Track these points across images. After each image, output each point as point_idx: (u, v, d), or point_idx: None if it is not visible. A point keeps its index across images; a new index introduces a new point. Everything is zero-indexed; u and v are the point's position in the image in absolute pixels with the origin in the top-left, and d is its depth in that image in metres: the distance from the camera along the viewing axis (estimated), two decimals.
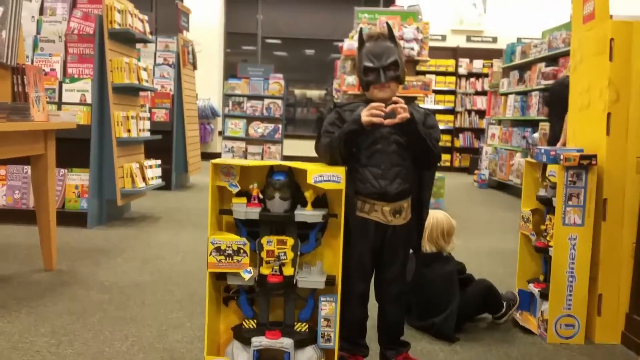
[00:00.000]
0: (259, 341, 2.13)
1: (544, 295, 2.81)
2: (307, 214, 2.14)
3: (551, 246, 2.77)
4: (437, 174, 6.82)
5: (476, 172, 9.54)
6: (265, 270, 2.15)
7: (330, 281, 2.19)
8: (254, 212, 2.13)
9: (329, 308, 2.17)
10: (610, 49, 2.60)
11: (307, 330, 2.22)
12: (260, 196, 2.17)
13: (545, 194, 2.90)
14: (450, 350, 2.61)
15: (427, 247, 2.85)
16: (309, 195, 2.16)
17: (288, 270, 2.15)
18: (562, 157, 2.61)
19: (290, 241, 2.15)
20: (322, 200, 2.23)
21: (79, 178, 4.91)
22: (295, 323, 2.24)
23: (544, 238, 2.87)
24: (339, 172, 2.10)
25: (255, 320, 2.23)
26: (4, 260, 3.77)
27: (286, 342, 2.13)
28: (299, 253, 2.19)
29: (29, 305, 2.95)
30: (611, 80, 2.63)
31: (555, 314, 2.70)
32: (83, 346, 2.49)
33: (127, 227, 5.01)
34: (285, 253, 2.14)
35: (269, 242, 2.15)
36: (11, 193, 4.90)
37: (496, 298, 2.90)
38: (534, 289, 2.91)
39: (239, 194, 2.20)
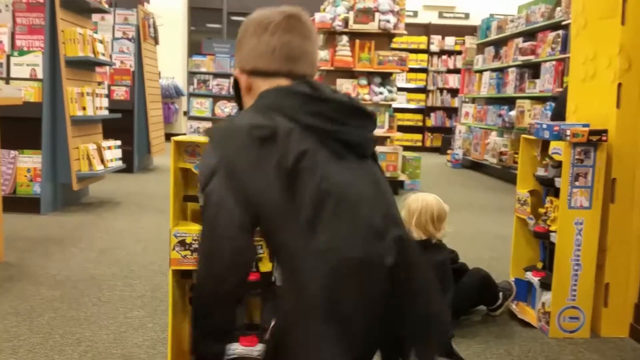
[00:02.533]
0: (232, 349, 1.83)
1: (545, 285, 2.57)
2: None
3: (552, 231, 2.53)
4: (413, 154, 6.60)
5: (449, 151, 9.35)
6: None
7: None
8: None
9: None
10: (623, 10, 2.34)
11: None
12: None
13: (545, 174, 2.65)
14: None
15: (414, 233, 2.58)
16: None
17: (266, 266, 1.85)
18: (568, 132, 2.36)
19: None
20: None
21: (31, 160, 4.49)
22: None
23: (543, 222, 2.63)
24: None
25: None
26: None
27: (260, 349, 1.83)
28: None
29: None
30: (622, 46, 2.37)
31: (559, 306, 2.47)
32: (28, 354, 2.15)
33: (84, 213, 4.62)
34: (262, 246, 1.84)
35: None
36: None
37: (493, 289, 2.66)
38: (533, 278, 2.67)
39: None
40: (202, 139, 1.86)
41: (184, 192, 1.90)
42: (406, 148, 7.30)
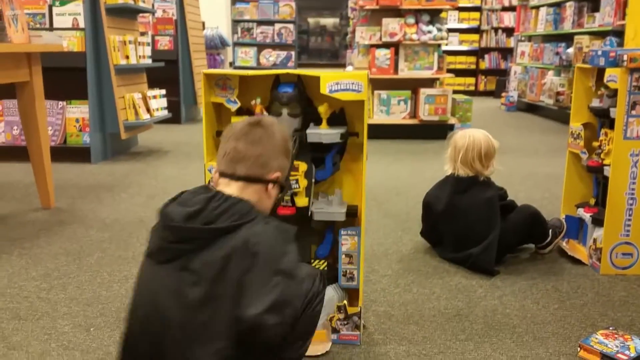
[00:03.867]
0: None
1: (597, 221, 2.45)
2: (322, 133, 1.78)
3: (606, 165, 2.39)
4: (464, 97, 6.38)
5: (503, 94, 9.02)
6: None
7: (351, 212, 1.85)
8: None
9: (350, 243, 1.85)
10: None
11: (326, 268, 1.90)
12: (265, 113, 1.81)
13: (599, 105, 2.49)
14: (490, 285, 2.29)
15: (460, 170, 2.49)
16: (323, 110, 1.80)
17: (301, 201, 1.81)
18: (625, 57, 2.19)
19: (302, 166, 1.80)
20: (339, 116, 1.86)
21: (78, 111, 4.58)
22: (313, 260, 1.92)
23: (597, 156, 2.48)
24: (360, 78, 1.72)
25: None
26: (0, 200, 3.51)
27: None
28: (313, 180, 1.85)
29: (21, 247, 2.68)
30: None
31: (611, 242, 2.35)
32: (77, 290, 2.22)
33: (133, 161, 4.71)
34: (297, 181, 1.80)
35: None
36: (9, 129, 4.60)
37: (542, 226, 2.55)
38: (585, 214, 2.55)
39: (239, 112, 1.84)
40: (234, 71, 1.81)
41: (216, 127, 1.87)
42: (458, 93, 7.06)
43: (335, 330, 1.84)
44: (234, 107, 1.81)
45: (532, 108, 8.22)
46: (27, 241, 2.75)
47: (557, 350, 1.79)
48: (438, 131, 5.74)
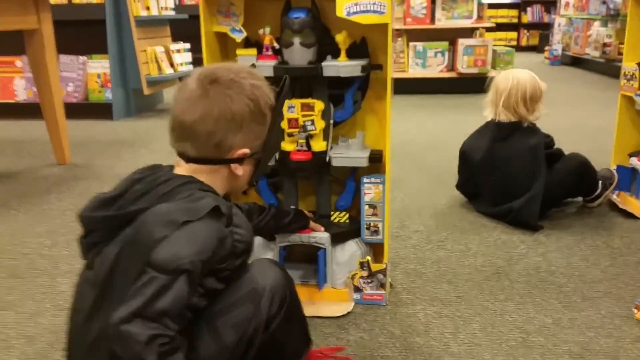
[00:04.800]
0: (285, 236, 1.64)
1: None
2: (341, 66, 1.56)
3: None
4: (505, 48, 6.01)
5: (547, 48, 8.53)
6: (287, 146, 1.61)
7: (375, 157, 1.64)
8: (266, 67, 1.56)
9: (374, 192, 1.64)
10: None
11: (347, 221, 1.71)
12: (275, 45, 1.60)
13: None
14: (532, 240, 2.06)
15: (502, 115, 2.24)
16: (341, 39, 1.57)
17: (318, 145, 1.61)
18: None
19: (319, 105, 1.59)
20: (360, 47, 1.63)
21: (100, 66, 4.43)
22: (333, 212, 1.73)
23: None
24: None
25: None
26: (16, 156, 3.40)
27: (321, 236, 1.63)
28: (332, 121, 1.63)
29: (30, 203, 2.55)
30: None
31: None
32: None
33: (157, 118, 4.55)
34: (313, 122, 1.59)
35: (290, 108, 1.59)
36: (30, 86, 4.49)
37: (592, 177, 2.29)
38: (639, 163, 2.28)
39: (246, 44, 1.63)
40: None
41: (220, 61, 1.66)
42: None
43: (357, 289, 1.65)
44: (239, 37, 1.59)
45: (577, 61, 7.76)
46: (37, 197, 2.62)
47: (610, 312, 1.57)
48: (477, 85, 5.36)
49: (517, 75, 2.25)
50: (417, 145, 3.49)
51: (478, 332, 1.48)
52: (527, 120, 2.23)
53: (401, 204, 2.46)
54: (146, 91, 4.46)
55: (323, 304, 1.64)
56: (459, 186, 2.47)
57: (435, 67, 5.39)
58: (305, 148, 1.60)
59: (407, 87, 5.30)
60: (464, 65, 5.29)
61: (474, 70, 5.31)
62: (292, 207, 1.69)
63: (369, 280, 1.65)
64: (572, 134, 3.58)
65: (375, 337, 1.48)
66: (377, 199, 1.64)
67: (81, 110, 4.40)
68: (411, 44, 5.38)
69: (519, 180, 2.18)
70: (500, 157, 2.22)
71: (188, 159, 1.09)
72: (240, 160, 1.12)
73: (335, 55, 1.59)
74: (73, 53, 4.39)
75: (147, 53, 4.43)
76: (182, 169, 1.10)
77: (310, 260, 1.69)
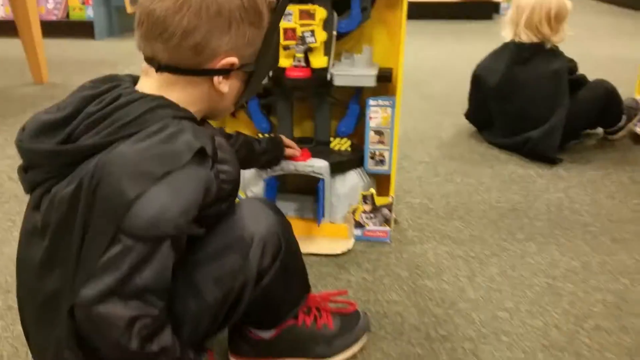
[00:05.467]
0: (279, 165, 1.44)
1: None
2: None
3: None
4: None
5: None
6: (283, 62, 1.39)
7: (384, 76, 1.42)
8: None
9: (382, 116, 1.43)
10: None
11: (349, 148, 1.51)
12: None
13: None
14: (551, 174, 1.88)
15: (522, 35, 2.00)
16: None
17: (318, 61, 1.38)
18: None
19: (320, 13, 1.35)
20: None
21: None
22: (333, 139, 1.52)
23: None
24: None
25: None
26: None
27: (318, 165, 1.43)
28: (334, 33, 1.40)
29: (4, 123, 2.34)
30: None
31: None
32: None
33: None
34: (313, 32, 1.36)
35: (286, 16, 1.36)
36: (44, 2, 4.16)
37: (617, 106, 2.09)
38: None
39: None
40: None
41: None
42: None
43: (359, 225, 1.47)
44: None
45: None
46: (11, 117, 2.41)
47: None
48: (483, 10, 5.11)
49: None
50: (418, 72, 3.24)
51: (497, 276, 1.32)
52: (550, 42, 1.99)
53: (403, 134, 2.25)
54: (129, 9, 4.13)
55: (320, 240, 1.46)
56: (469, 114, 2.26)
57: None
58: (303, 64, 1.38)
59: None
60: None
61: None
62: (264, 135, 1.47)
63: (372, 216, 1.46)
64: (599, 64, 3.32)
65: (379, 278, 1.31)
66: (385, 124, 1.44)
67: (61, 28, 4.11)
68: None
69: (538, 107, 1.97)
70: (519, 81, 2.00)
71: (159, 67, 0.83)
72: (226, 72, 0.86)
73: None
74: None
75: None
76: (150, 82, 0.85)
77: (307, 192, 1.51)
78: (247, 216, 0.90)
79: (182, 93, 0.85)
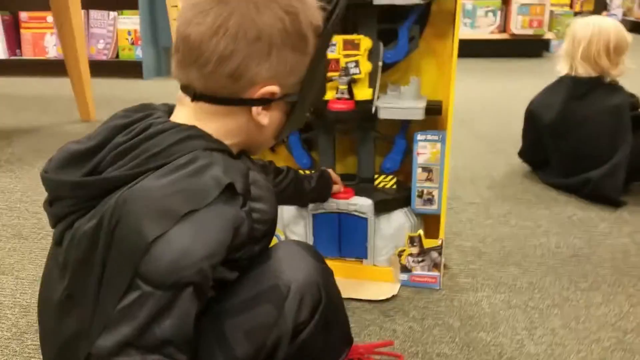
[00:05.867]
0: (322, 205, 1.36)
1: None
2: None
3: None
4: (563, 9, 5.53)
5: (604, 13, 7.94)
6: (327, 94, 1.32)
7: (433, 108, 1.33)
8: None
9: (430, 152, 1.34)
10: None
11: (394, 186, 1.42)
12: None
13: None
14: (615, 218, 1.73)
15: (579, 69, 1.89)
16: None
17: (362, 93, 1.31)
18: None
19: (365, 43, 1.28)
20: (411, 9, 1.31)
21: (131, 22, 4.20)
22: (377, 176, 1.43)
23: None
24: None
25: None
26: (41, 113, 3.21)
27: (362, 204, 1.34)
28: (381, 63, 1.33)
29: (47, 158, 2.33)
30: None
31: None
32: None
33: None
34: (357, 63, 1.29)
35: (330, 47, 1.29)
36: (94, 42, 4.29)
37: None
38: None
39: None
40: None
41: None
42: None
43: (406, 269, 1.36)
44: None
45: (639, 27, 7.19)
46: (52, 152, 2.41)
47: None
48: (532, 48, 5.00)
49: (598, 21, 1.90)
50: (468, 109, 3.14)
51: (559, 329, 1.18)
52: (609, 76, 1.88)
53: (452, 172, 2.12)
54: None
55: (363, 284, 1.36)
56: (523, 153, 2.14)
57: (485, 27, 4.98)
58: (346, 96, 1.31)
59: None
60: (518, 25, 4.86)
61: (529, 32, 4.89)
62: (312, 171, 1.39)
63: (420, 259, 1.36)
64: None
65: (428, 328, 1.19)
66: (434, 160, 1.34)
67: (111, 68, 4.20)
68: (459, 1, 4.97)
69: (598, 145, 1.84)
70: (577, 118, 1.88)
71: (194, 95, 0.78)
72: (266, 102, 0.79)
73: None
74: (103, 8, 4.17)
75: (179, 8, 4.16)
76: (184, 111, 0.79)
77: (343, 234, 1.41)
78: (283, 262, 0.81)
79: (218, 124, 0.79)
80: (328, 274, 0.86)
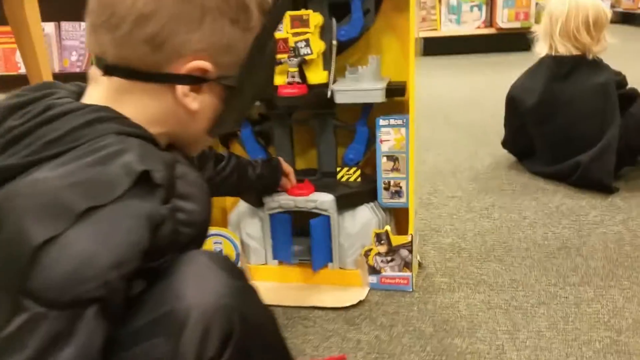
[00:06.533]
0: (276, 201, 1.22)
1: None
2: None
3: None
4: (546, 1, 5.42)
5: None
6: (277, 79, 1.18)
7: (395, 89, 1.19)
8: None
9: (395, 139, 1.20)
10: None
11: (359, 179, 1.27)
12: None
13: None
14: (607, 205, 1.59)
15: (559, 47, 1.76)
16: None
17: (316, 75, 1.18)
18: None
19: (315, 19, 1.15)
20: None
21: None
22: (340, 168, 1.29)
23: None
24: None
25: None
26: None
27: (322, 200, 1.20)
28: (334, 42, 1.19)
29: None
30: None
31: None
32: None
33: None
34: (307, 42, 1.15)
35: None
36: (67, 55, 4.15)
37: None
38: None
39: None
40: None
41: None
42: None
43: (374, 271, 1.22)
44: None
45: (629, 18, 7.07)
46: None
47: None
48: (519, 41, 4.83)
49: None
50: (452, 102, 3.01)
51: (545, 330, 1.04)
52: (591, 52, 1.74)
53: (433, 165, 2.01)
54: None
55: (325, 290, 1.22)
56: (507, 142, 2.00)
57: (471, 22, 4.85)
58: (298, 80, 1.17)
59: (439, 47, 4.78)
60: (504, 19, 4.73)
61: (516, 25, 4.76)
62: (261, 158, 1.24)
63: (389, 259, 1.21)
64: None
65: (397, 337, 1.05)
66: (399, 147, 1.20)
67: (85, 79, 4.07)
68: None
69: (585, 127, 1.70)
70: (561, 99, 1.74)
71: (106, 68, 0.63)
72: (195, 80, 0.65)
73: None
74: (74, 19, 4.05)
75: None
76: (97, 90, 0.65)
77: (302, 233, 1.27)
78: (185, 281, 0.60)
79: (137, 106, 0.64)
80: (247, 293, 0.66)
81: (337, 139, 1.28)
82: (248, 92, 0.71)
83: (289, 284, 1.26)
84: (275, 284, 1.26)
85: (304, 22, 1.15)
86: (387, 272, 1.22)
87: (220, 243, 1.26)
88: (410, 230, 1.20)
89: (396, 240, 1.20)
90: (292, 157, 1.32)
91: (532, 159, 1.89)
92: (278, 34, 1.14)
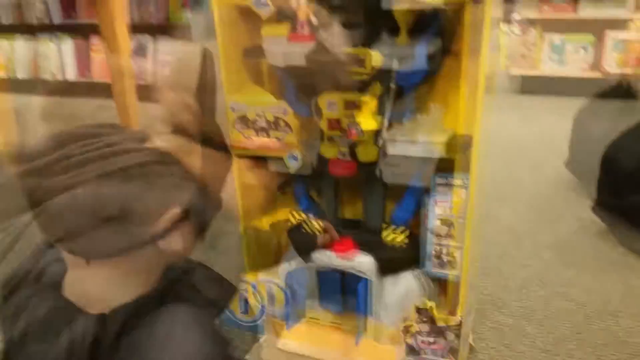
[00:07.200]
0: (318, 256, 1.08)
1: None
2: (397, 55, 0.98)
3: None
4: None
5: None
6: (327, 152, 1.05)
7: (458, 145, 1.02)
8: (298, 53, 0.98)
9: (452, 200, 1.03)
10: None
11: (405, 241, 1.10)
12: (314, 20, 1.01)
13: None
14: None
15: None
16: (402, 17, 0.99)
17: (367, 154, 1.04)
18: None
19: (370, 105, 1.01)
20: (430, 19, 1.02)
21: None
22: (385, 226, 1.13)
23: None
24: None
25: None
26: None
27: (360, 261, 1.05)
28: (392, 86, 1.03)
29: None
30: None
31: None
32: None
33: None
34: (358, 126, 1.01)
35: (330, 105, 1.02)
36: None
37: None
38: None
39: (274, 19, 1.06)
40: None
41: (243, 42, 1.12)
42: None
43: (413, 351, 1.04)
44: (265, 12, 1.03)
45: None
46: None
47: None
48: (627, 89, 4.48)
49: None
50: (539, 148, 2.75)
51: None
52: None
53: (507, 224, 1.79)
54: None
55: None
56: (599, 206, 1.74)
57: (575, 64, 4.53)
58: (348, 158, 1.04)
59: (538, 86, 4.52)
60: (612, 63, 4.38)
61: (625, 70, 4.39)
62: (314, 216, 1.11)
63: (432, 340, 1.03)
64: None
65: None
66: (456, 212, 1.03)
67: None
68: (546, 35, 4.56)
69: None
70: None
71: None
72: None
73: (394, 32, 1.01)
74: None
75: None
76: None
77: (347, 291, 1.12)
78: (158, 344, 0.56)
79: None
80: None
81: (386, 192, 1.13)
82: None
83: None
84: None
85: (355, 105, 1.01)
86: (428, 355, 1.04)
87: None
88: (461, 310, 1.02)
89: (442, 320, 1.02)
90: (335, 207, 1.17)
91: (629, 229, 1.63)
92: (331, 114, 1.02)
